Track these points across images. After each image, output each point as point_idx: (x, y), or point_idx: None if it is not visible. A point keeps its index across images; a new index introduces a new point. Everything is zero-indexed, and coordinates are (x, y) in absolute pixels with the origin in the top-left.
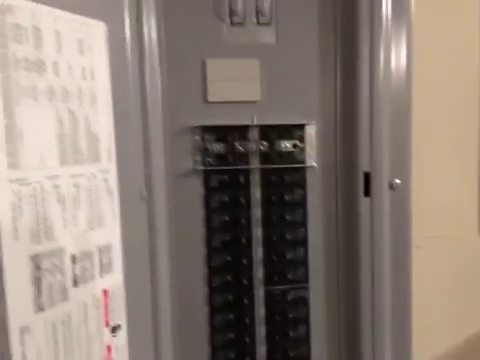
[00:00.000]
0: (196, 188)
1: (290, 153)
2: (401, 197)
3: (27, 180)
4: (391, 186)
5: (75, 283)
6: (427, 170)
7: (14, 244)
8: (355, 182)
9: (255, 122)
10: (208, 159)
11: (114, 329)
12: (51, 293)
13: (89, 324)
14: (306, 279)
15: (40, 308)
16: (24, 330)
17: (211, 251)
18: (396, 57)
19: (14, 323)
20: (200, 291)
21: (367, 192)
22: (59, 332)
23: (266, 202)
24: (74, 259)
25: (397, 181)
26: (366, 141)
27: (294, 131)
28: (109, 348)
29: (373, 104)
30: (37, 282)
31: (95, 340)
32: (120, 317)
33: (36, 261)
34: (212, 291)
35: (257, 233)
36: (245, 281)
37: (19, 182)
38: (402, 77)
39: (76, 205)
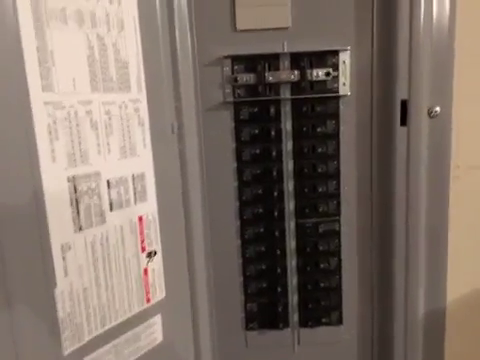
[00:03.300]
0: (226, 121)
1: (322, 82)
2: (440, 125)
3: (61, 104)
4: (430, 114)
5: (111, 207)
6: (468, 97)
7: (52, 165)
8: (391, 111)
9: (286, 50)
10: (238, 91)
11: (150, 254)
12: (89, 215)
13: (126, 248)
14: (338, 212)
15: (79, 228)
16: (65, 247)
17: (242, 184)
18: None
19: (55, 240)
20: (232, 223)
21: (404, 121)
22: (98, 252)
23: (297, 134)
24: (109, 184)
25: (436, 109)
26: (404, 66)
27: (327, 58)
28: (146, 271)
29: (413, 26)
30: (75, 203)
31: (132, 263)
32: (155, 243)
33: (73, 183)
34: (243, 223)
35: (288, 166)
36: (276, 214)
37: (53, 105)
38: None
39: (109, 132)
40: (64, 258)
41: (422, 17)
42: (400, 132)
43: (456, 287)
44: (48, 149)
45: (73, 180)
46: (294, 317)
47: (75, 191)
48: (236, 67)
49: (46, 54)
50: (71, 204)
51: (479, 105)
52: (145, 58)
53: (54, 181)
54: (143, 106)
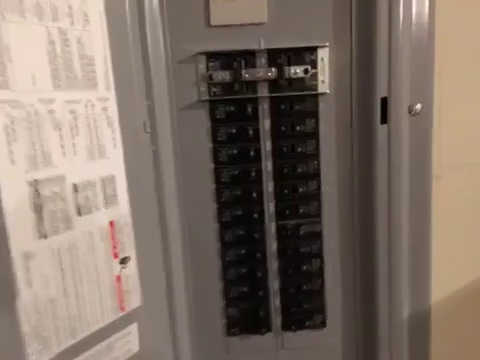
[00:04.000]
0: (202, 120)
1: (301, 79)
2: (421, 123)
3: (19, 102)
4: (411, 112)
5: (79, 212)
6: (449, 94)
7: (11, 168)
8: (371, 108)
9: (262, 46)
10: (213, 89)
11: (123, 260)
12: (54, 221)
13: (97, 255)
14: (319, 213)
15: (43, 235)
16: (28, 256)
17: (220, 186)
18: None
19: (16, 248)
20: (210, 226)
21: (384, 119)
22: (65, 260)
23: (276, 133)
24: (76, 188)
25: (417, 106)
26: (384, 64)
27: (305, 55)
28: (119, 278)
29: (392, 22)
30: (38, 209)
31: (104, 271)
32: (129, 249)
33: (35, 187)
34: (222, 226)
35: (267, 166)
36: (256, 216)
37: (11, 104)
38: None
39: (74, 133)
40: (27, 268)
41: (402, 13)
42: (381, 130)
43: (441, 287)
44: (5, 151)
45: (35, 184)
46: (277, 321)
47: (38, 196)
48: (211, 64)
49: (1, 49)
50: (33, 210)
51: (460, 102)
52: (113, 54)
53: (13, 185)
54: (112, 105)
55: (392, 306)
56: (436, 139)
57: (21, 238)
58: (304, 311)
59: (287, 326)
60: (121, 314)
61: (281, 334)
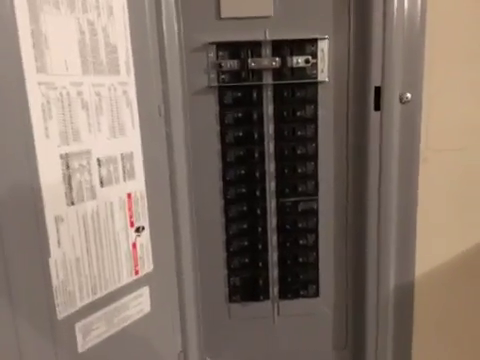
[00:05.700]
0: (211, 105)
1: (302, 69)
2: (411, 111)
3: (54, 84)
4: (402, 100)
5: (102, 184)
6: (438, 83)
7: (46, 142)
8: (366, 96)
9: (268, 37)
10: (222, 76)
11: (138, 229)
12: (81, 190)
13: (116, 222)
14: (316, 191)
15: (71, 202)
16: (58, 219)
17: (226, 165)
18: None
19: (49, 212)
20: (216, 202)
21: (377, 106)
22: (89, 225)
23: (278, 118)
24: (100, 162)
25: (408, 95)
26: (378, 55)
27: (306, 46)
28: (134, 245)
29: (386, 17)
30: (68, 179)
31: (122, 237)
32: (143, 219)
33: (66, 160)
34: (227, 202)
35: (269, 148)
36: (258, 193)
37: (47, 85)
38: None
39: (98, 112)
40: (57, 229)
41: (395, 9)
42: (374, 117)
43: (424, 262)
44: (42, 127)
45: (66, 157)
46: (274, 290)
47: (68, 167)
48: (220, 53)
49: (40, 37)
50: (64, 179)
51: (447, 92)
52: (133, 43)
53: (48, 158)
54: (131, 88)
55: (380, 278)
56: (424, 125)
57: (53, 204)
58: (300, 281)
59: (284, 295)
60: (135, 277)
61: (278, 302)
